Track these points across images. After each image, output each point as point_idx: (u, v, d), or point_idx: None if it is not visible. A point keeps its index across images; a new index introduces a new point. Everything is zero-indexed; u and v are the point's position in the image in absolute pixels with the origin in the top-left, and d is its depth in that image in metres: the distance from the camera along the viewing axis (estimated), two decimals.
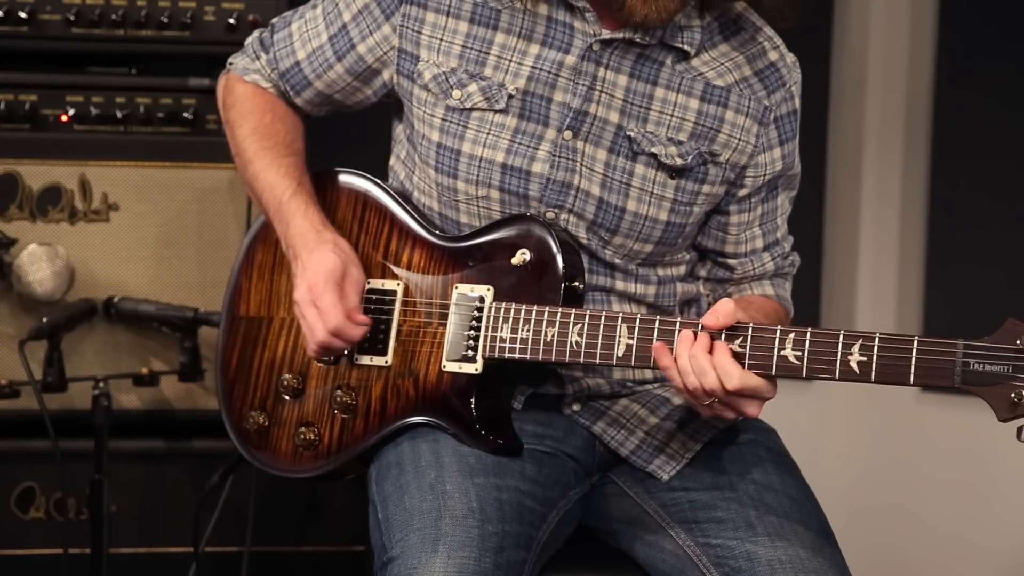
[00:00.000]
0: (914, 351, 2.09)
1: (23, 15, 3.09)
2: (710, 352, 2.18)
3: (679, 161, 2.39)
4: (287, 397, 2.48)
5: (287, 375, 2.49)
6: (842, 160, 3.81)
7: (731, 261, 2.52)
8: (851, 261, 3.83)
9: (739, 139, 2.42)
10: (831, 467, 3.79)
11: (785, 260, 2.55)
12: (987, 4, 3.61)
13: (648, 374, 2.49)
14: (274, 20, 2.60)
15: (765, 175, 2.45)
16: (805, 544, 2.28)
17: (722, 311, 2.19)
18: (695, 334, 2.19)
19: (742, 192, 2.46)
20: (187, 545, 3.14)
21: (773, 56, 2.46)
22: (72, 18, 3.10)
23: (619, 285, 2.45)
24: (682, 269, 2.51)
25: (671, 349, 2.21)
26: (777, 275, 2.56)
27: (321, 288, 2.36)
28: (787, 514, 2.32)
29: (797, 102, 2.47)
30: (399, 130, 2.56)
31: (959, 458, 3.71)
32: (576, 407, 2.47)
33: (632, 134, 2.39)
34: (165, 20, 3.11)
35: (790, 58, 2.48)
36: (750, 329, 2.18)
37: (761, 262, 2.52)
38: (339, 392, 2.43)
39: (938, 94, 3.67)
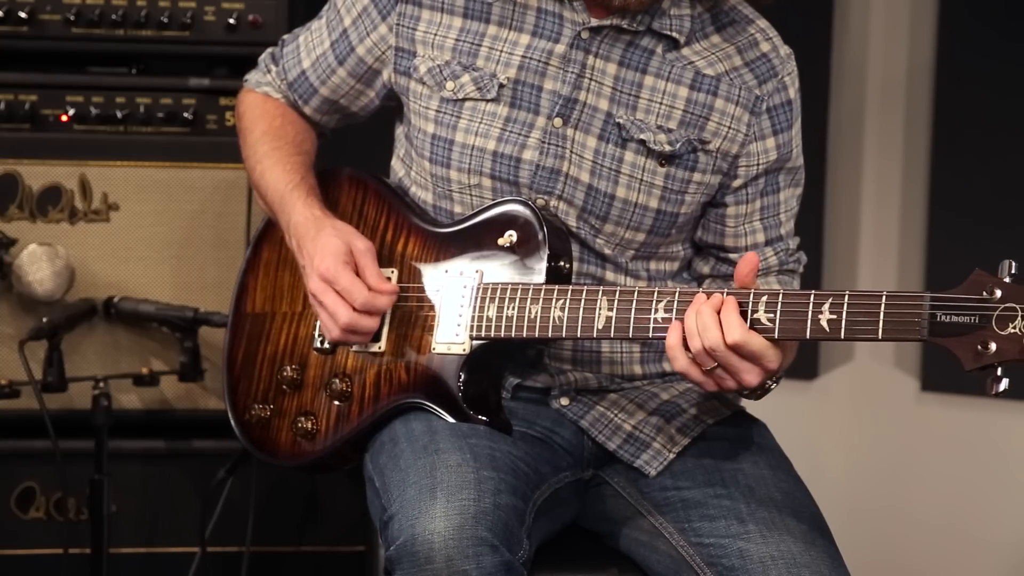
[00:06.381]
0: (882, 306, 2.08)
1: (23, 15, 3.08)
2: (718, 311, 2.16)
3: (668, 148, 2.40)
4: (287, 388, 2.50)
5: (288, 367, 2.51)
6: (842, 158, 3.81)
7: (732, 256, 2.52)
8: (851, 260, 3.83)
9: (729, 127, 2.43)
10: (831, 467, 3.79)
11: (790, 256, 2.54)
12: (987, 4, 3.61)
13: (637, 370, 2.50)
14: (285, 36, 2.68)
15: (758, 164, 2.46)
16: (797, 538, 2.27)
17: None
18: (707, 295, 2.18)
19: (736, 183, 2.47)
20: (187, 545, 3.14)
21: (765, 47, 2.47)
22: (72, 18, 3.09)
23: (609, 276, 2.46)
24: (675, 265, 2.52)
25: (681, 322, 2.19)
26: (783, 271, 2.55)
27: (334, 271, 2.36)
28: (778, 508, 2.31)
29: (792, 93, 2.47)
30: (399, 131, 2.61)
31: (959, 458, 3.70)
32: (564, 401, 2.48)
33: (621, 121, 2.41)
34: (165, 20, 3.11)
35: (784, 50, 2.48)
36: (724, 293, 2.18)
37: (764, 256, 2.51)
38: (335, 380, 2.45)
39: (938, 93, 3.67)
